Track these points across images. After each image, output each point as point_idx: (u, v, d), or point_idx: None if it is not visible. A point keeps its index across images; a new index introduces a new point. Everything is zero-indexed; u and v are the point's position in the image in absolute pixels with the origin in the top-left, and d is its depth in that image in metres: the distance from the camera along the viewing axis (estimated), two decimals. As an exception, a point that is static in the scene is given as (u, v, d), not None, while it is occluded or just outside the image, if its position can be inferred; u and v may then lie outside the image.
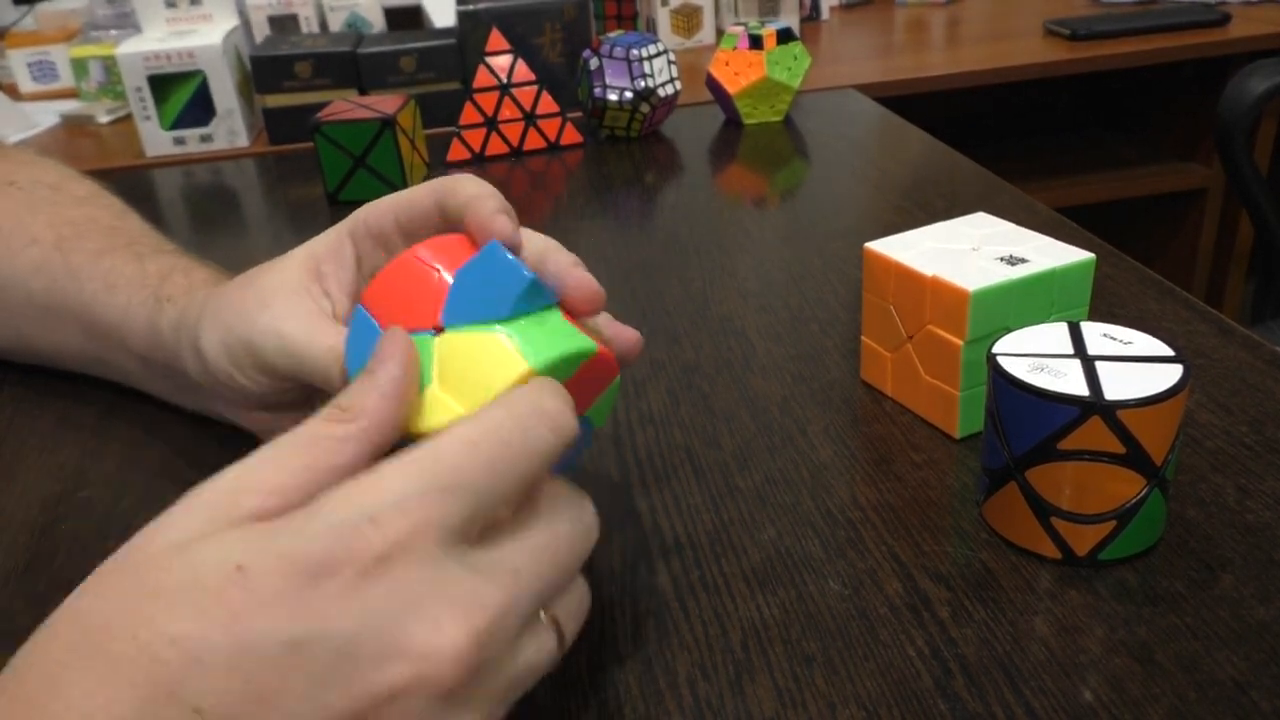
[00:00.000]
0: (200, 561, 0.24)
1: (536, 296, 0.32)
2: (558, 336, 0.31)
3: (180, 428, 0.49)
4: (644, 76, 0.89)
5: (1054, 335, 0.38)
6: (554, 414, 0.29)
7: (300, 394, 0.40)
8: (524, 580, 0.27)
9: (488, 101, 0.88)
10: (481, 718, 0.26)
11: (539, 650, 0.28)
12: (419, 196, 0.38)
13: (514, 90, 0.88)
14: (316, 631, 0.24)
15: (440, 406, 0.30)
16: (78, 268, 0.48)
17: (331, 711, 0.24)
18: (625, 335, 0.37)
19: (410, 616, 0.25)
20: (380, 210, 0.39)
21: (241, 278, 0.41)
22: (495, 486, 0.27)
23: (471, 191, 0.35)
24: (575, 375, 0.32)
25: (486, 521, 0.27)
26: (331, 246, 0.40)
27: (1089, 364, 0.36)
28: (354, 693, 0.24)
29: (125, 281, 0.47)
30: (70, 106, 1.43)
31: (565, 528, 0.29)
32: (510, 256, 0.32)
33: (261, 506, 0.26)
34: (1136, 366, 0.36)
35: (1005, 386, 0.36)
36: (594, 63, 0.90)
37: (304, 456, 0.27)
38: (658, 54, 0.90)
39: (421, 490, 0.26)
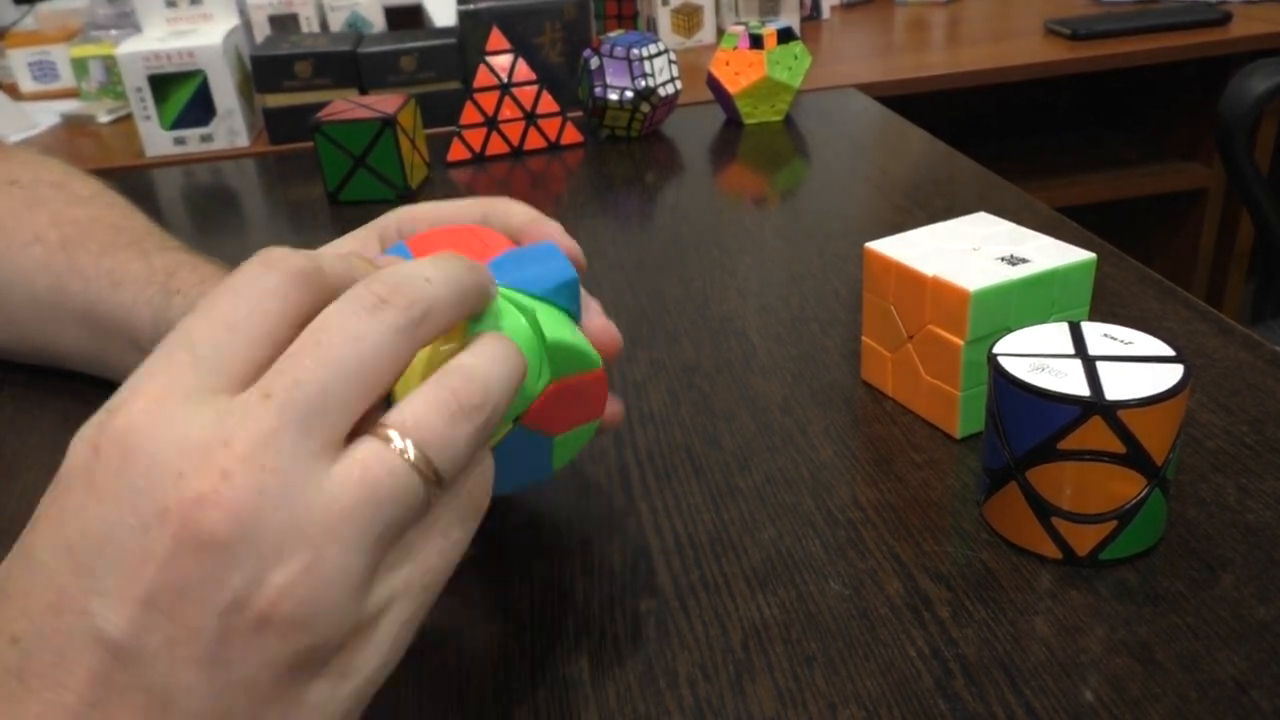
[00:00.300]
0: None
1: (571, 299, 0.33)
2: (572, 332, 0.33)
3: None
4: (644, 76, 0.89)
5: (1055, 335, 0.38)
6: (278, 260, 0.26)
7: None
8: (283, 394, 0.24)
9: (488, 101, 0.88)
10: (297, 566, 0.23)
11: (368, 472, 0.24)
12: (462, 211, 0.38)
13: (514, 90, 0.88)
14: (78, 527, 0.23)
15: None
16: (82, 266, 0.48)
17: (119, 597, 0.22)
18: (608, 330, 0.36)
19: (152, 479, 0.23)
20: (415, 216, 0.39)
21: None
22: (228, 335, 0.25)
23: (531, 215, 0.37)
24: (566, 386, 0.33)
25: (239, 369, 0.25)
26: (359, 244, 0.40)
27: (1090, 364, 0.36)
28: (131, 572, 0.22)
29: (131, 278, 0.47)
30: (70, 106, 1.43)
31: (333, 309, 0.26)
32: (563, 255, 0.34)
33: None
34: (1137, 366, 0.36)
35: (1006, 386, 0.36)
36: (594, 62, 0.90)
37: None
38: (658, 53, 0.90)
39: (150, 364, 0.25)
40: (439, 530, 0.26)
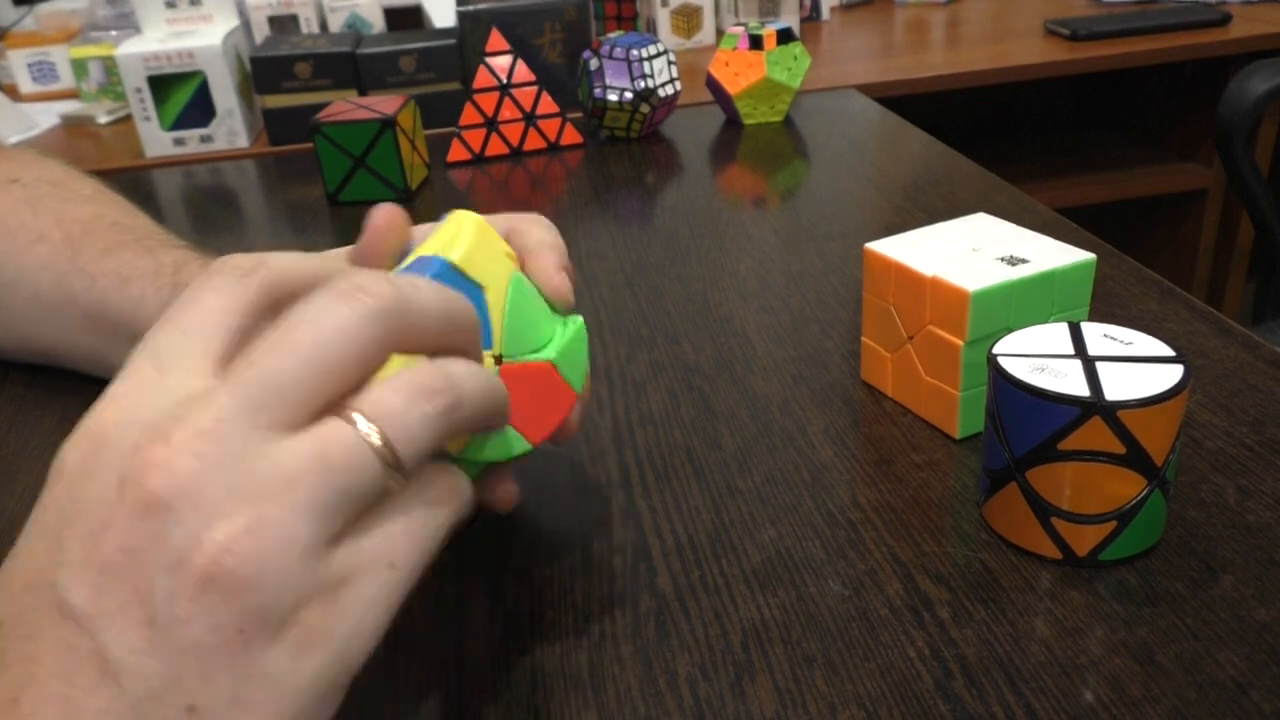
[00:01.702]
0: None
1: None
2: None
3: (180, 428, 0.49)
4: (644, 77, 0.89)
5: (1054, 336, 0.38)
6: (228, 263, 0.28)
7: None
8: (238, 376, 0.25)
9: (488, 102, 0.88)
10: (239, 522, 0.23)
11: (320, 445, 0.25)
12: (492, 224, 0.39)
13: (514, 91, 0.88)
14: (52, 511, 0.25)
15: None
16: (87, 263, 0.49)
17: (79, 565, 0.24)
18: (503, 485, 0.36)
19: (107, 454, 0.25)
20: (424, 228, 0.39)
21: None
22: (203, 324, 0.27)
23: (542, 239, 0.37)
24: (530, 383, 0.34)
25: (210, 352, 0.26)
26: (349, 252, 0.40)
27: (1089, 364, 0.36)
28: (86, 540, 0.24)
29: (138, 274, 0.47)
30: (70, 107, 1.43)
31: (300, 305, 0.26)
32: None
33: None
34: (1137, 367, 0.36)
35: (1006, 387, 0.36)
36: (594, 63, 0.90)
37: None
38: (658, 54, 0.90)
39: (139, 353, 0.27)
40: (400, 510, 0.27)
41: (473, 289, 0.33)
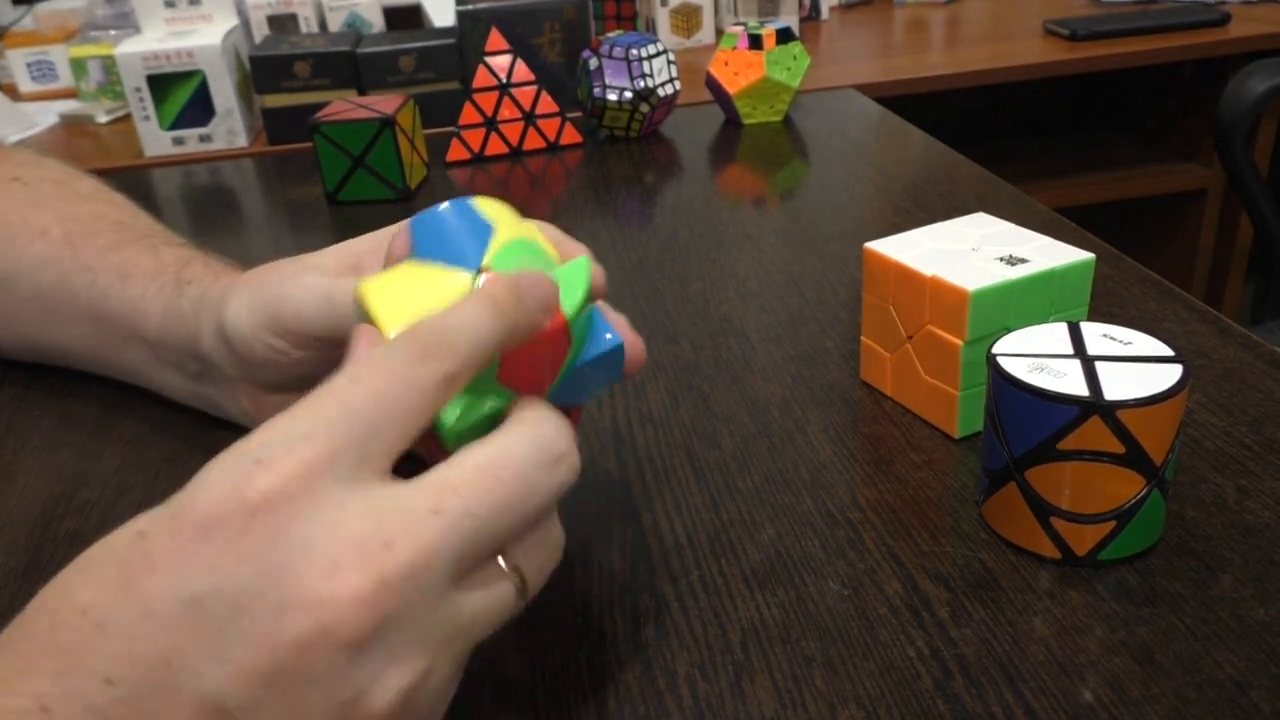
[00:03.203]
0: (118, 532, 0.24)
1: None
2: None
3: (181, 428, 0.49)
4: (643, 76, 0.89)
5: (1054, 335, 0.38)
6: (434, 355, 0.26)
7: (311, 367, 0.40)
8: (452, 519, 0.24)
9: (487, 101, 0.88)
10: (414, 673, 0.24)
11: (490, 599, 0.26)
12: None
13: (513, 90, 0.88)
14: (210, 585, 0.22)
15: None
16: (89, 261, 0.48)
17: (240, 668, 0.22)
18: (636, 344, 0.35)
19: (304, 562, 0.23)
20: None
21: (270, 264, 0.42)
22: (387, 421, 0.25)
23: (559, 239, 0.36)
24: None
25: (388, 458, 0.25)
26: (374, 242, 0.40)
27: (1089, 364, 0.36)
28: (259, 647, 0.22)
29: (140, 271, 0.47)
30: (69, 106, 1.43)
31: (518, 452, 0.26)
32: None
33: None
34: (1136, 367, 0.36)
35: (1005, 386, 0.36)
36: (593, 63, 0.90)
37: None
38: (657, 54, 0.90)
39: (308, 428, 0.24)
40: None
41: (483, 225, 0.32)
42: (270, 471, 0.23)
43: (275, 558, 0.23)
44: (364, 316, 0.31)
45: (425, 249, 0.32)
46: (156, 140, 1.20)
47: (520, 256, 0.32)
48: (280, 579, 0.23)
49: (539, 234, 0.35)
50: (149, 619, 0.23)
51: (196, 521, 0.23)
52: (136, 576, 0.23)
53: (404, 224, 0.35)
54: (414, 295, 0.30)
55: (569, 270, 0.32)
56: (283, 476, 0.23)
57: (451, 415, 0.29)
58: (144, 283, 0.47)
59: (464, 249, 0.32)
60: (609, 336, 0.33)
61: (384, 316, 0.30)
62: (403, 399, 0.25)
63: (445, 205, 0.33)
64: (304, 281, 0.39)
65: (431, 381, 0.26)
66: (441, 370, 0.26)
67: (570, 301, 0.31)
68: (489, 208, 0.33)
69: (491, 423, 0.29)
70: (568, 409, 0.34)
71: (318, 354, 0.40)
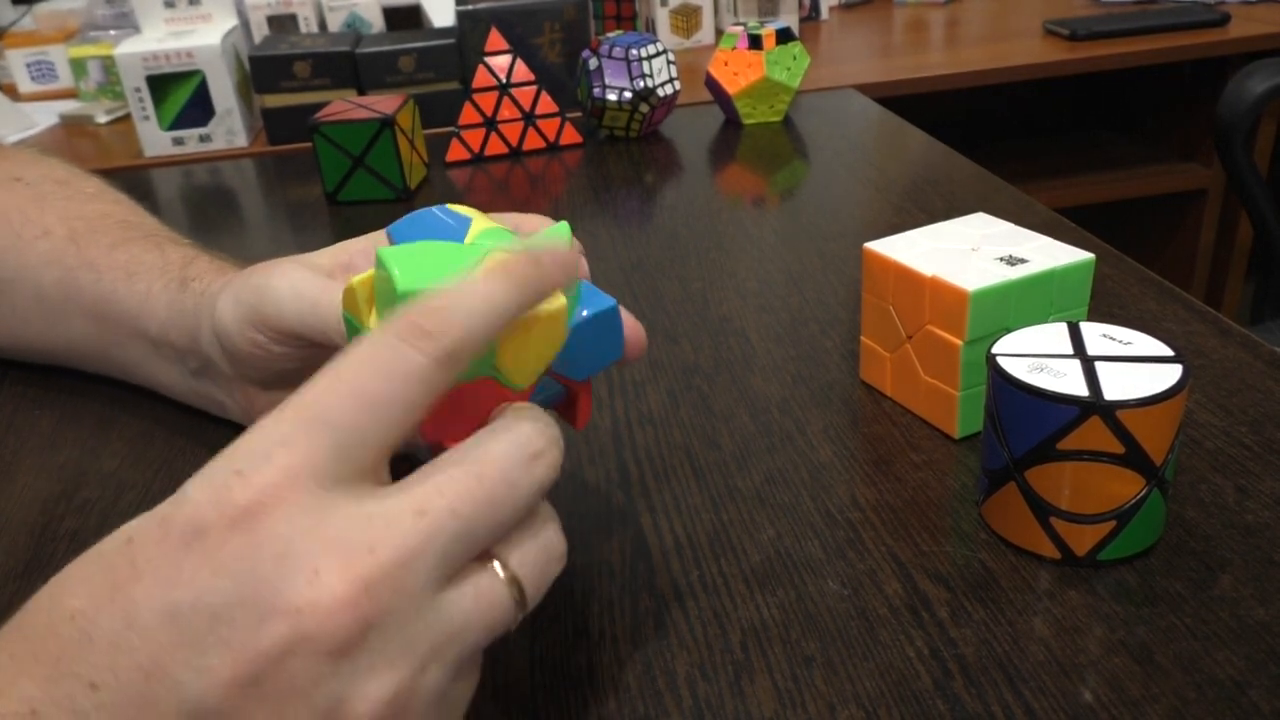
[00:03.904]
0: (110, 537, 0.24)
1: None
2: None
3: (180, 427, 0.49)
4: (643, 76, 0.89)
5: (1053, 335, 0.38)
6: (426, 332, 0.25)
7: (296, 363, 0.41)
8: (436, 519, 0.24)
9: (487, 101, 0.88)
10: (400, 679, 0.24)
11: (481, 603, 0.25)
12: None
13: (513, 90, 0.88)
14: (190, 596, 0.22)
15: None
16: (94, 259, 0.48)
17: (220, 677, 0.22)
18: (636, 328, 0.35)
19: (284, 569, 0.22)
20: None
21: (268, 262, 0.42)
22: (371, 419, 0.24)
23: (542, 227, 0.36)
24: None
25: (374, 456, 0.25)
26: (368, 243, 0.40)
27: (1088, 364, 0.36)
28: (237, 656, 0.22)
29: (145, 269, 0.47)
30: (69, 106, 1.43)
31: (497, 449, 0.26)
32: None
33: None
34: (1136, 367, 0.36)
35: (1005, 387, 0.36)
36: (593, 63, 0.90)
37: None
38: (657, 54, 0.90)
39: (288, 433, 0.24)
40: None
41: (460, 218, 0.33)
42: (249, 483, 0.23)
43: (255, 567, 0.23)
44: (354, 317, 0.32)
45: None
46: (156, 140, 1.20)
47: (500, 241, 0.33)
48: (260, 588, 0.22)
49: (509, 229, 0.35)
50: (132, 629, 0.23)
51: (181, 532, 0.23)
52: (122, 585, 0.23)
53: (383, 232, 0.36)
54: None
55: (552, 234, 0.33)
56: (260, 488, 0.23)
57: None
58: (149, 279, 0.47)
59: (446, 238, 0.32)
60: (601, 301, 0.33)
61: (369, 307, 0.30)
62: (388, 391, 0.25)
63: (419, 211, 0.34)
64: (288, 277, 0.39)
65: (425, 362, 0.25)
66: (436, 348, 0.25)
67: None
68: (461, 209, 0.34)
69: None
70: (572, 388, 0.34)
71: (299, 350, 0.40)
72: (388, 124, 0.78)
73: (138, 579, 0.23)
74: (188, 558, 0.23)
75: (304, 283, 0.38)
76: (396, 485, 0.25)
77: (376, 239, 0.40)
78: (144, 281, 0.47)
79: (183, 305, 0.45)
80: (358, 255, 0.40)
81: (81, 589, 0.23)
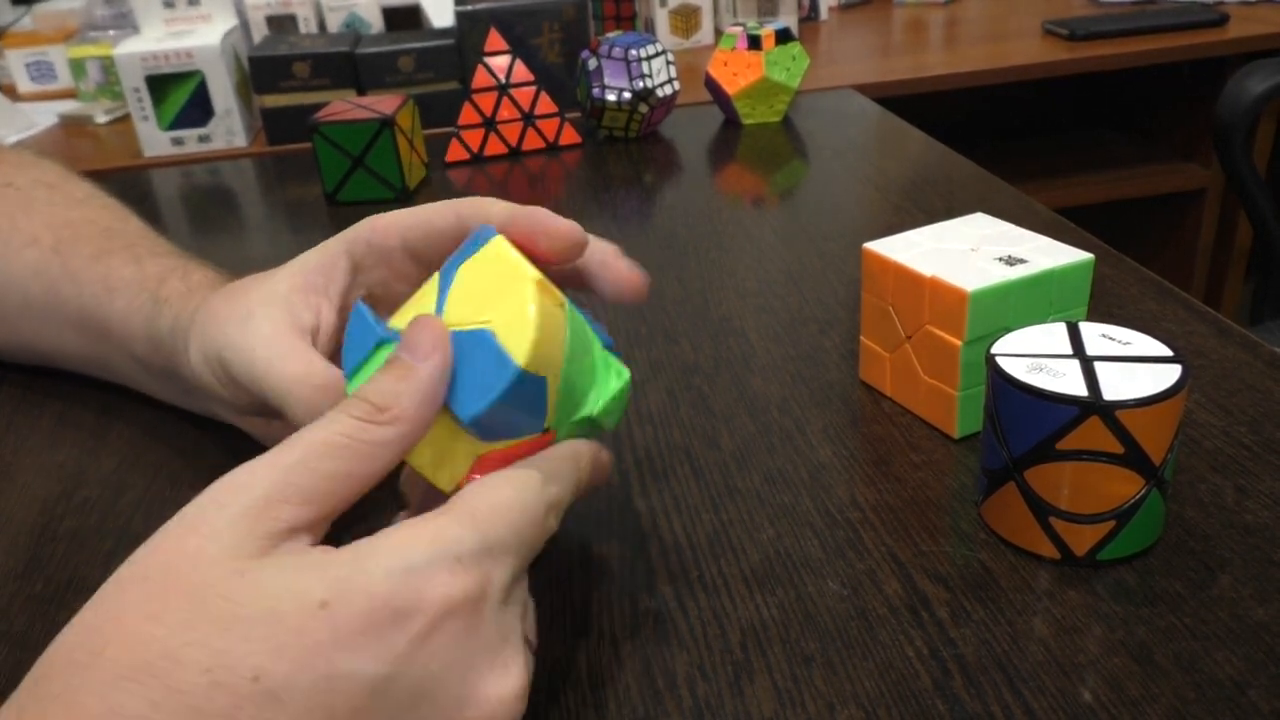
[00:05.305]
0: (275, 593, 0.24)
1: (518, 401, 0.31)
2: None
3: (180, 428, 0.49)
4: (642, 77, 0.89)
5: (1053, 335, 0.38)
6: (582, 473, 0.32)
7: None
8: (527, 618, 0.30)
9: (486, 102, 0.88)
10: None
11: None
12: (435, 217, 0.37)
13: (512, 90, 0.88)
14: (399, 673, 0.24)
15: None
16: (76, 271, 0.48)
17: None
18: (629, 275, 0.37)
19: (486, 663, 0.26)
20: (386, 226, 0.38)
21: (230, 287, 0.41)
22: (535, 546, 0.30)
23: (509, 210, 0.35)
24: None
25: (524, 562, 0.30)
26: (325, 260, 0.39)
27: (1088, 364, 0.36)
28: None
29: (123, 284, 0.46)
30: (68, 107, 1.43)
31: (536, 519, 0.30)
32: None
33: (297, 517, 0.26)
34: (1135, 367, 0.36)
35: (1004, 387, 0.36)
36: (592, 63, 0.90)
37: (339, 462, 0.27)
38: (656, 54, 0.90)
39: (487, 547, 0.27)
40: None
41: (537, 383, 0.31)
42: (460, 579, 0.26)
43: (460, 657, 0.26)
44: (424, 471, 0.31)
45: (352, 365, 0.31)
46: (155, 140, 1.20)
47: (572, 404, 0.33)
48: (466, 677, 0.26)
49: (563, 311, 0.33)
50: (332, 694, 0.23)
51: (392, 608, 0.25)
52: (325, 651, 0.24)
53: (339, 242, 0.39)
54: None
55: (612, 401, 0.35)
56: (470, 584, 0.26)
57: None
58: (128, 296, 0.46)
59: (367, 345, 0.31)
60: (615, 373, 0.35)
61: (434, 466, 0.31)
62: (544, 529, 0.31)
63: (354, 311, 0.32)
64: (244, 349, 0.37)
65: (541, 505, 0.30)
66: (550, 496, 0.31)
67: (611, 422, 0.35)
68: (538, 358, 0.30)
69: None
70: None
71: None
72: (387, 124, 0.78)
73: (345, 646, 0.24)
74: (398, 635, 0.25)
75: (257, 357, 0.37)
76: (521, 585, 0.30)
77: (330, 252, 0.39)
78: (122, 298, 0.46)
79: (158, 331, 0.43)
80: (312, 274, 0.38)
81: (266, 648, 0.23)
